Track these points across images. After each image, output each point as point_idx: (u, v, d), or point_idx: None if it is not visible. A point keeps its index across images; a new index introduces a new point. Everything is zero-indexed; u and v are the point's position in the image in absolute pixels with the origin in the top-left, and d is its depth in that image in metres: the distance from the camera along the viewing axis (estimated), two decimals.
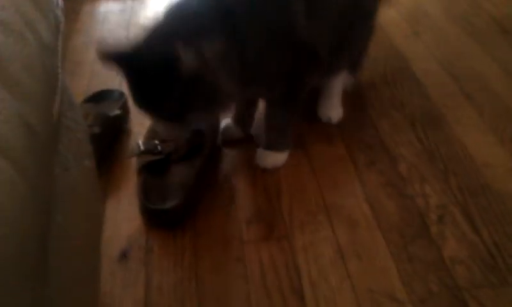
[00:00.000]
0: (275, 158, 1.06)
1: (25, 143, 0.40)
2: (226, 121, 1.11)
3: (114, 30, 1.52)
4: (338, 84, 1.16)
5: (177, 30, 0.82)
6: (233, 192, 1.01)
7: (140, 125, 1.14)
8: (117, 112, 1.11)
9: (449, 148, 1.09)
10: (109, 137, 1.09)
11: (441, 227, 0.92)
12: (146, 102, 0.82)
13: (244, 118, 1.11)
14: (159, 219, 0.94)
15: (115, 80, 1.29)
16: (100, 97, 1.18)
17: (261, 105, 1.10)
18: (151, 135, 1.05)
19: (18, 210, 0.36)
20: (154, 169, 0.99)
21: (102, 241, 0.89)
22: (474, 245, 0.89)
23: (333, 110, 1.17)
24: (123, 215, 0.96)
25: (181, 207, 0.93)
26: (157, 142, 1.01)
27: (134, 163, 1.04)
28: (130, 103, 1.17)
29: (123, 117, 1.15)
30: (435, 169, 1.04)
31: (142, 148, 1.01)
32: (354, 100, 1.22)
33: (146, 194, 0.95)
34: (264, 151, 1.06)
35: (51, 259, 0.45)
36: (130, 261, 0.88)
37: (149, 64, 0.79)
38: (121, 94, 1.18)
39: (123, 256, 0.89)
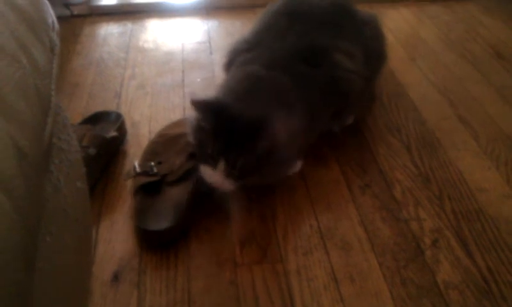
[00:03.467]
0: (298, 165, 1.11)
1: (14, 165, 0.40)
2: None
3: (114, 53, 1.53)
4: None
5: (269, 104, 0.98)
6: (229, 215, 1.01)
7: (136, 146, 1.15)
8: (113, 134, 1.11)
9: (444, 172, 1.10)
10: (105, 159, 1.09)
11: (435, 251, 0.92)
12: (226, 152, 0.91)
13: None
14: (153, 241, 0.94)
15: (113, 103, 1.30)
16: (97, 119, 1.18)
17: None
18: (147, 157, 1.05)
19: (4, 230, 0.37)
20: (150, 191, 0.99)
21: (93, 263, 0.89)
22: (468, 270, 0.89)
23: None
24: (116, 237, 0.96)
25: (174, 229, 0.93)
26: (153, 164, 1.02)
27: (129, 185, 1.04)
28: (128, 125, 1.20)
29: (120, 139, 1.15)
30: (430, 193, 1.04)
31: (138, 169, 1.01)
32: (350, 124, 1.23)
33: (141, 216, 0.95)
34: None
35: (39, 279, 0.45)
36: (122, 283, 0.88)
37: (244, 124, 0.91)
38: (118, 116, 1.19)
39: (115, 277, 0.88)
